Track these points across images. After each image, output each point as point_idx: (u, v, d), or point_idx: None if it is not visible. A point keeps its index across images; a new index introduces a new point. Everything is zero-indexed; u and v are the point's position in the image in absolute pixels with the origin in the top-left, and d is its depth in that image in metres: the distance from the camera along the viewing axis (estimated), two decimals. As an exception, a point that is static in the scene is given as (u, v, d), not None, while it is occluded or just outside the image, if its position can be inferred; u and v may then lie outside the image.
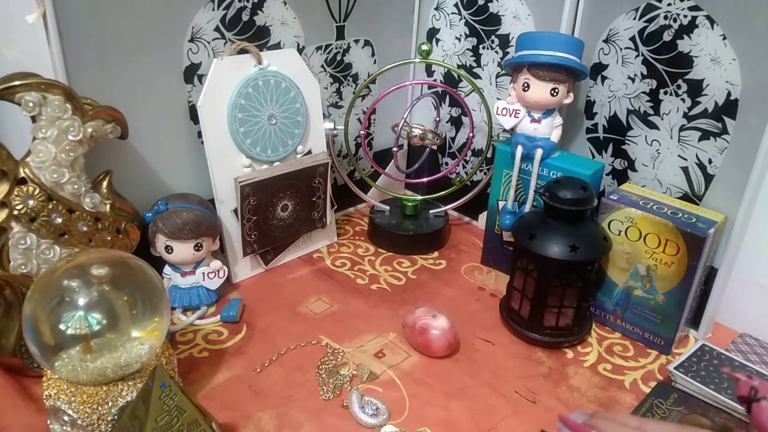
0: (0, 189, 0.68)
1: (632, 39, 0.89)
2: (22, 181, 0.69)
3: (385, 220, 1.11)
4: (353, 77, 1.11)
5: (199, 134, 0.92)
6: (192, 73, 0.89)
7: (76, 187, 0.72)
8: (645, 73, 0.89)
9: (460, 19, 1.09)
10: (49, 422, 0.65)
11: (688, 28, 0.83)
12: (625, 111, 0.93)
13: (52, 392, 0.63)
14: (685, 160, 0.88)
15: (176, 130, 0.91)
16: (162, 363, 0.65)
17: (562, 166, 0.91)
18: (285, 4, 0.96)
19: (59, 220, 0.71)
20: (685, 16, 0.83)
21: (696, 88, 0.84)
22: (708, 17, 0.81)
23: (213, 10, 0.88)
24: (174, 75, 0.88)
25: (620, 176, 0.96)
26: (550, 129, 0.93)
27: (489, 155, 1.08)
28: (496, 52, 1.06)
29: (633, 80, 0.91)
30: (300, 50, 1.01)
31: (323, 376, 0.78)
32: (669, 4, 0.84)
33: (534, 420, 0.73)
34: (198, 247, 0.87)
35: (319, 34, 1.03)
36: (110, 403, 0.62)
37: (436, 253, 1.09)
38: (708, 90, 0.83)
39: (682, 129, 0.87)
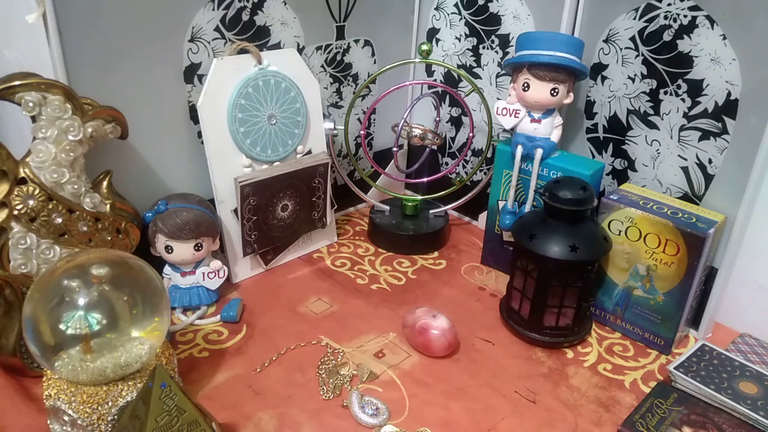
0: (0, 189, 0.68)
1: (632, 39, 0.89)
2: (22, 181, 0.69)
3: (385, 220, 1.11)
4: (353, 77, 1.11)
5: (199, 134, 0.92)
6: (192, 73, 0.89)
7: (76, 187, 0.72)
8: (645, 73, 0.89)
9: (460, 19, 1.09)
10: (49, 422, 0.65)
11: (688, 28, 0.83)
12: (625, 111, 0.93)
13: (52, 392, 0.63)
14: (685, 160, 0.88)
15: (176, 130, 0.91)
16: (162, 363, 0.65)
17: (562, 166, 0.91)
18: (285, 4, 0.96)
19: (59, 220, 0.71)
20: (685, 16, 0.83)
21: (696, 88, 0.84)
22: (708, 17, 0.81)
23: (213, 10, 0.88)
24: (174, 75, 0.88)
25: (620, 176, 0.96)
26: (550, 129, 0.93)
27: (489, 155, 1.08)
28: (496, 52, 1.06)
29: (633, 80, 0.91)
30: (300, 50, 1.01)
31: (323, 376, 0.78)
32: (669, 4, 0.84)
33: (534, 420, 0.73)
34: (198, 247, 0.87)
35: (319, 34, 1.03)
36: (110, 403, 0.62)
37: (436, 253, 1.09)
38: (708, 90, 0.83)
39: (682, 129, 0.87)
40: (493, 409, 0.75)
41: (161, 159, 0.90)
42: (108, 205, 0.76)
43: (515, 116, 0.93)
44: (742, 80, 0.80)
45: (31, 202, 0.69)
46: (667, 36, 0.85)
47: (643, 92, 0.90)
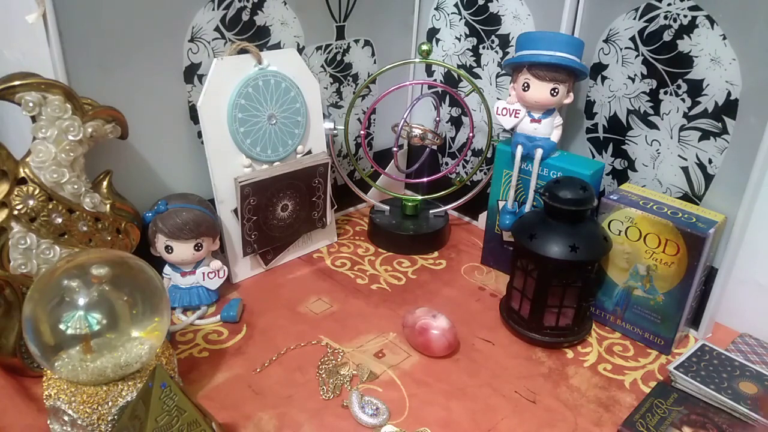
0: (0, 189, 0.68)
1: (632, 39, 0.89)
2: (22, 181, 0.69)
3: (385, 220, 1.11)
4: (353, 77, 1.11)
5: (199, 134, 0.92)
6: (192, 73, 0.89)
7: (76, 187, 0.72)
8: (645, 73, 0.89)
9: (460, 19, 1.09)
10: (49, 422, 0.65)
11: (688, 28, 0.83)
12: (625, 111, 0.93)
13: (52, 392, 0.63)
14: (685, 160, 0.88)
15: (176, 130, 0.91)
16: (162, 363, 0.65)
17: (562, 166, 0.91)
18: (285, 4, 0.96)
19: (59, 220, 0.71)
20: (685, 16, 0.83)
21: (696, 88, 0.84)
22: (708, 17, 0.81)
23: (213, 10, 0.88)
24: (174, 75, 0.88)
25: (620, 176, 0.96)
26: (550, 129, 0.93)
27: (489, 155, 1.08)
28: (496, 52, 1.06)
29: (633, 80, 0.91)
30: (300, 50, 1.01)
31: (323, 376, 0.78)
32: (669, 4, 0.84)
33: (534, 420, 0.73)
34: (198, 247, 0.87)
35: (319, 34, 1.03)
36: (110, 403, 0.62)
37: (436, 253, 1.09)
38: (708, 90, 0.83)
39: (682, 129, 0.87)
40: (493, 409, 0.75)
41: (161, 159, 0.90)
42: (108, 205, 0.76)
43: (515, 116, 0.93)
44: (742, 80, 0.80)
45: (31, 202, 0.69)
46: (667, 36, 0.85)
47: (643, 92, 0.90)
